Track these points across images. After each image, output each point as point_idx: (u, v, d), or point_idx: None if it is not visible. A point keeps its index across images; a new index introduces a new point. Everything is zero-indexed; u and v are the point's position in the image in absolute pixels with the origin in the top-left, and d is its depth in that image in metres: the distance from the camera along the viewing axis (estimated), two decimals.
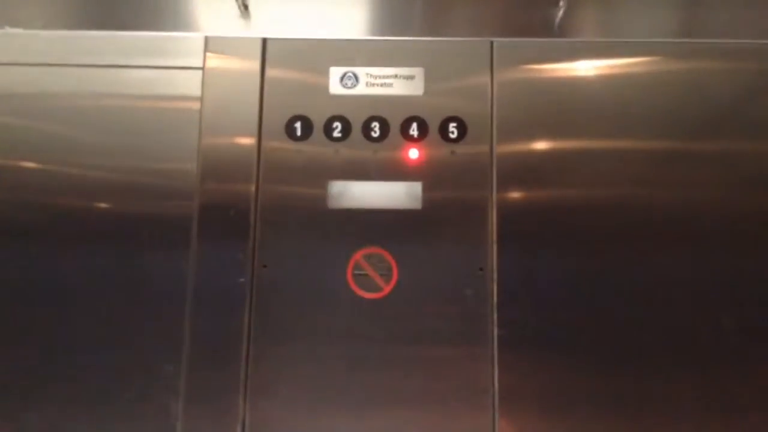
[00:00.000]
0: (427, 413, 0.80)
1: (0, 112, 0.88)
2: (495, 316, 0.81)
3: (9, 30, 0.87)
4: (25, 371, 0.82)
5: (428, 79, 0.86)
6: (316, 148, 0.85)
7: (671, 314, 0.82)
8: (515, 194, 0.84)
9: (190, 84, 0.86)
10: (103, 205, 0.86)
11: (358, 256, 0.83)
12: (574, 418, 0.80)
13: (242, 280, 0.81)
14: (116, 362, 0.82)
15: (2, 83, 0.89)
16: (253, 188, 0.83)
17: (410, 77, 0.86)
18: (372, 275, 0.82)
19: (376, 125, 0.85)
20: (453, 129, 0.85)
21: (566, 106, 0.86)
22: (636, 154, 0.85)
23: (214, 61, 0.86)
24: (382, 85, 0.86)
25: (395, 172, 0.84)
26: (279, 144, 0.85)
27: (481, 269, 0.82)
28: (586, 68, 0.87)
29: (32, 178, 0.86)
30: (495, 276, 0.82)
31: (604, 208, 0.84)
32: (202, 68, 0.86)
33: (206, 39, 0.87)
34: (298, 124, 0.85)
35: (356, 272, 0.82)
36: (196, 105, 0.86)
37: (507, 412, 0.79)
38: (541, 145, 0.85)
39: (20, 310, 0.83)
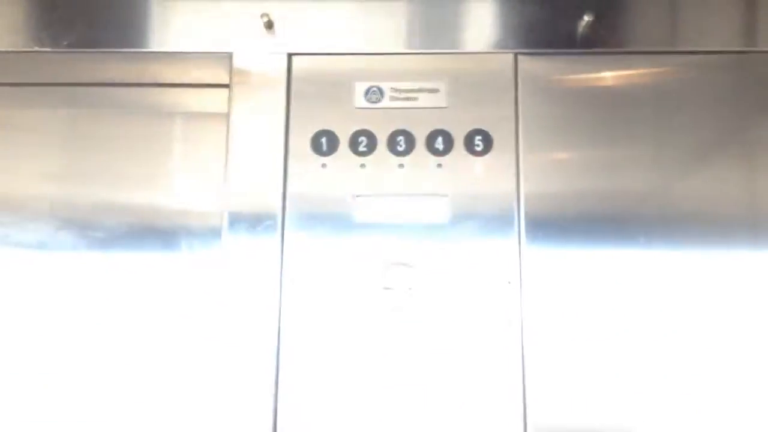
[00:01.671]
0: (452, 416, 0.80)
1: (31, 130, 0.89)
2: (523, 328, 0.81)
3: (37, 49, 0.89)
4: None
5: (453, 92, 0.86)
6: (342, 162, 0.85)
7: None
8: (542, 206, 0.84)
9: (216, 101, 0.87)
10: (135, 221, 0.87)
11: (385, 270, 0.82)
12: None
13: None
14: None
15: (30, 103, 0.91)
16: (280, 203, 0.84)
17: (435, 90, 0.86)
18: (399, 289, 0.82)
19: (401, 139, 0.85)
20: (478, 142, 0.85)
21: (591, 118, 0.86)
22: (663, 164, 0.85)
23: (240, 78, 0.87)
24: (406, 99, 0.86)
25: (421, 185, 0.84)
26: (305, 159, 0.85)
27: (509, 282, 0.82)
28: (610, 80, 0.87)
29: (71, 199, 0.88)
30: (522, 289, 0.82)
31: (632, 219, 0.84)
32: (229, 85, 0.87)
33: (232, 56, 0.87)
34: (323, 139, 0.85)
35: (383, 286, 0.82)
36: (223, 122, 0.86)
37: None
38: (566, 157, 0.85)
39: None
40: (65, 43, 0.90)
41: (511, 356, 0.80)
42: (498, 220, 0.83)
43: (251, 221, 0.84)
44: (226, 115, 0.86)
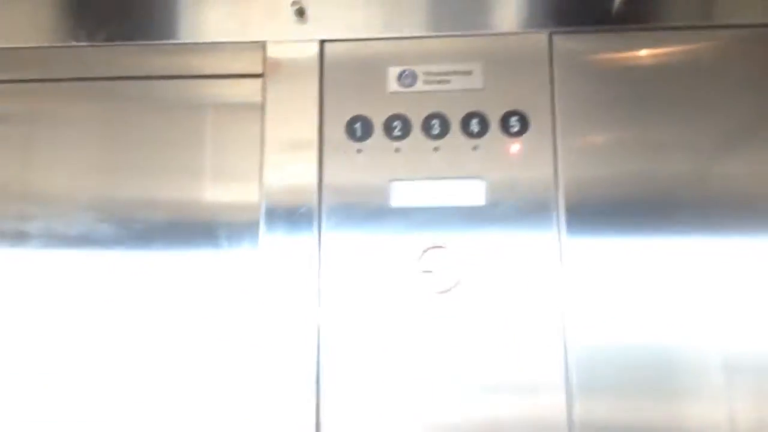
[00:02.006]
0: (499, 412, 0.79)
1: (69, 124, 0.91)
2: (563, 309, 0.80)
3: (74, 44, 0.90)
4: None
5: (487, 74, 0.85)
6: (376, 147, 0.85)
7: None
8: (581, 186, 0.83)
9: (250, 91, 0.88)
10: (171, 215, 0.88)
11: (423, 253, 0.82)
12: None
13: None
14: None
15: (67, 98, 0.92)
16: (316, 190, 0.84)
17: (468, 72, 0.85)
18: (437, 273, 0.82)
19: (436, 122, 0.85)
20: (514, 123, 0.84)
21: (628, 97, 0.85)
22: (703, 145, 0.83)
23: (273, 67, 0.87)
24: (440, 81, 0.85)
25: (457, 168, 0.84)
26: (340, 145, 0.85)
27: (548, 264, 0.81)
28: (647, 57, 0.86)
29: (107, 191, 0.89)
30: (563, 270, 0.81)
31: (670, 198, 0.82)
32: (262, 74, 0.87)
33: (265, 45, 0.88)
34: (358, 125, 0.85)
35: (422, 270, 0.82)
36: (257, 112, 0.87)
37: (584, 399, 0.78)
38: (605, 136, 0.84)
39: None
40: (101, 37, 0.91)
41: (552, 338, 0.79)
42: (536, 202, 0.82)
43: (288, 210, 0.84)
44: (261, 105, 0.87)
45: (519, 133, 0.84)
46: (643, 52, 0.86)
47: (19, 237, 0.89)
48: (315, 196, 0.84)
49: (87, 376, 0.85)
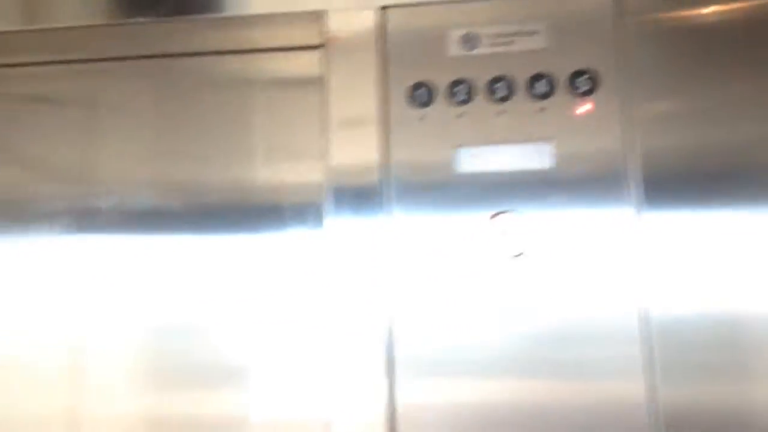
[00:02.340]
0: (573, 381, 0.77)
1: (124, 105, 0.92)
2: (639, 271, 0.77)
3: (139, 20, 0.90)
4: None
5: (552, 33, 0.82)
6: (440, 113, 0.83)
7: None
8: (654, 145, 0.79)
9: (309, 64, 0.87)
10: (234, 195, 0.88)
11: (491, 219, 0.81)
12: None
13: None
14: None
15: (125, 77, 0.93)
16: (380, 160, 0.83)
17: (533, 33, 0.83)
18: (508, 237, 0.80)
19: (500, 85, 0.82)
20: (583, 82, 0.81)
21: (700, 51, 0.81)
22: None
23: (333, 37, 0.86)
24: (503, 43, 0.83)
25: (524, 131, 0.82)
26: (403, 113, 0.84)
27: (622, 227, 0.78)
28: (720, 10, 0.82)
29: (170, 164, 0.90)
30: (638, 233, 0.78)
31: (748, 153, 0.79)
32: (322, 46, 0.86)
33: (324, 14, 0.87)
34: (420, 91, 0.84)
35: (490, 236, 0.80)
36: (317, 85, 0.86)
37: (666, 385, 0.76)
38: (678, 95, 0.81)
39: None
40: (155, 13, 0.91)
41: (630, 301, 0.77)
42: (607, 164, 0.79)
43: (352, 185, 0.83)
44: (320, 79, 0.86)
45: (588, 93, 0.81)
46: (718, 8, 0.82)
47: (87, 216, 0.91)
48: (379, 168, 0.83)
49: (148, 357, 0.86)
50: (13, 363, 0.89)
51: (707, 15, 0.82)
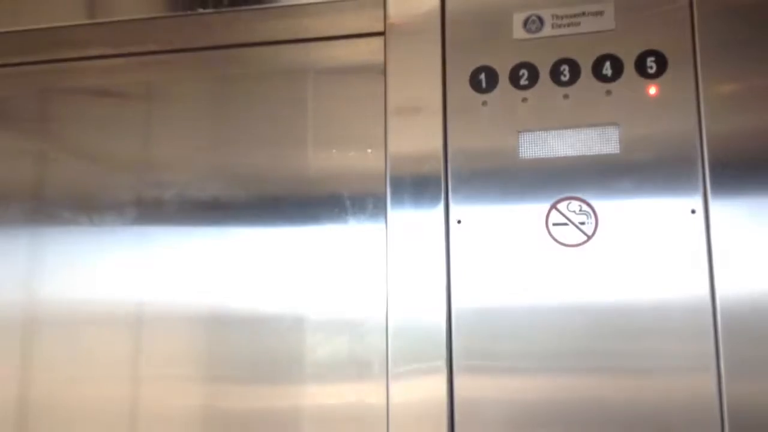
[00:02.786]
0: (631, 374, 0.75)
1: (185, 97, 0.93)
2: (710, 261, 0.75)
3: (201, 11, 0.92)
4: None
5: (619, 12, 0.80)
6: (503, 98, 0.82)
7: None
8: (726, 129, 0.77)
9: (371, 51, 0.87)
10: (300, 185, 0.88)
11: (556, 205, 0.79)
12: None
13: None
14: None
15: (186, 68, 0.94)
16: (441, 147, 0.83)
17: (599, 13, 0.81)
18: (572, 224, 0.79)
19: (565, 68, 0.81)
20: (651, 64, 0.79)
21: None
22: None
23: (394, 22, 0.86)
24: (569, 25, 0.81)
25: (589, 115, 0.80)
26: (464, 98, 0.83)
27: (693, 211, 0.76)
28: None
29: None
30: (708, 219, 0.76)
31: None
32: (383, 32, 0.86)
33: (386, 1, 0.86)
34: (482, 76, 0.83)
35: (555, 222, 0.79)
36: (379, 73, 0.86)
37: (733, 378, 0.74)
38: (750, 76, 0.78)
39: None
40: (213, 3, 0.92)
41: (698, 290, 0.75)
42: (677, 149, 0.77)
43: (414, 173, 0.83)
44: (382, 66, 0.86)
45: (657, 75, 0.79)
46: None
47: (149, 207, 0.93)
48: (441, 155, 0.82)
49: (203, 347, 0.88)
50: (76, 354, 0.91)
51: None
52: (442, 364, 0.79)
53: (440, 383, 0.78)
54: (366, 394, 0.83)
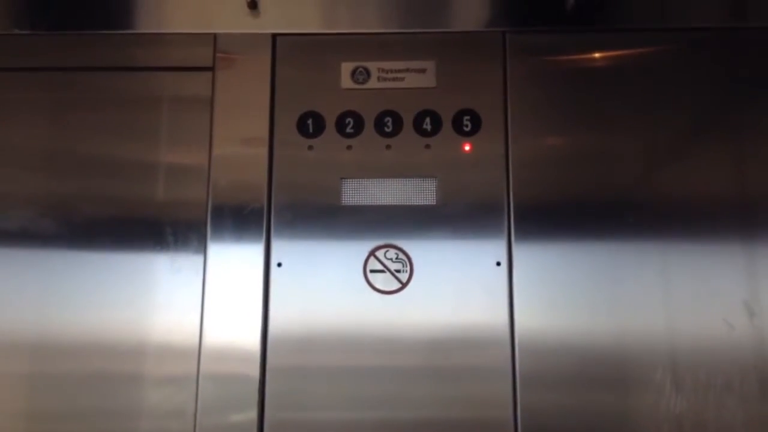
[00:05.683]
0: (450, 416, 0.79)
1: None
2: (514, 311, 0.80)
3: (17, 32, 0.86)
4: None
5: (440, 72, 0.85)
6: (328, 144, 0.84)
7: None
8: (532, 187, 0.83)
9: (199, 84, 0.86)
10: (120, 211, 0.85)
11: (375, 252, 0.82)
12: None
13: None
14: None
15: (16, 88, 0.89)
16: (266, 186, 0.83)
17: (422, 70, 0.85)
18: (389, 272, 0.81)
19: (389, 120, 0.84)
20: (467, 122, 0.83)
21: (581, 97, 0.85)
22: (656, 149, 0.84)
23: (224, 60, 0.85)
24: (394, 79, 0.85)
25: (409, 167, 0.83)
26: (291, 141, 0.84)
27: (498, 263, 0.81)
28: (600, 58, 0.86)
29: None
30: (512, 271, 0.81)
31: (622, 202, 0.83)
32: (212, 67, 0.85)
33: (215, 37, 0.86)
34: (310, 121, 0.84)
35: (372, 269, 0.81)
36: (206, 106, 0.85)
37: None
38: (556, 137, 0.84)
39: None
40: (45, 25, 0.88)
41: (499, 338, 0.80)
42: (487, 201, 0.82)
43: (236, 208, 0.82)
44: (210, 99, 0.85)
45: (471, 133, 0.83)
46: (597, 53, 0.86)
47: None
48: (265, 193, 0.82)
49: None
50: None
51: (589, 60, 0.86)
52: (254, 414, 0.78)
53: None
54: None
